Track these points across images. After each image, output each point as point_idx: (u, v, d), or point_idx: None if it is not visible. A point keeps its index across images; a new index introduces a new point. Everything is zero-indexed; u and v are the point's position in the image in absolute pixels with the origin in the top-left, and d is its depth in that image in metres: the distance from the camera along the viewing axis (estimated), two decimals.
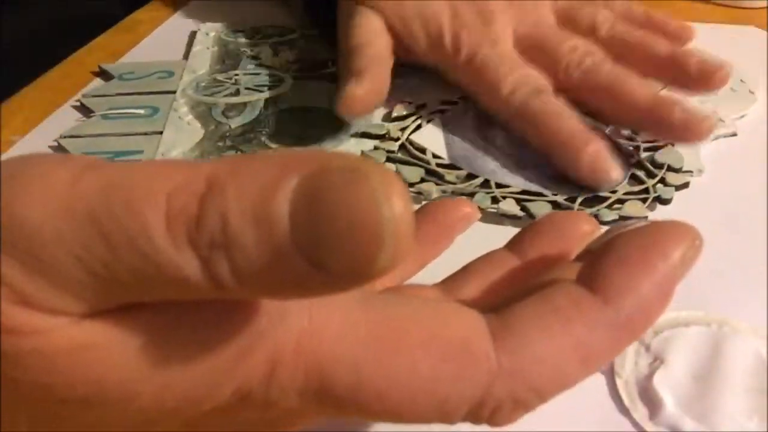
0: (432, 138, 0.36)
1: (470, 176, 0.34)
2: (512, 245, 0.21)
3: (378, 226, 0.11)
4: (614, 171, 0.33)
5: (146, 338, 0.13)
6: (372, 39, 0.37)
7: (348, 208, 0.11)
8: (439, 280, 0.21)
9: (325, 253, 0.12)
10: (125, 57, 0.46)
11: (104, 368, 0.13)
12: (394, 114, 0.38)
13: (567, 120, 0.34)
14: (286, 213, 0.12)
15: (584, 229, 0.20)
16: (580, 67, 0.36)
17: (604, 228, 0.19)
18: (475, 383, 0.15)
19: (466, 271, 0.21)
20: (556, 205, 0.32)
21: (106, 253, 0.12)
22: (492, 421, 0.15)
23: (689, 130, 0.33)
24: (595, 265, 0.16)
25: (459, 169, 0.34)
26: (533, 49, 0.37)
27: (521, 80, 0.36)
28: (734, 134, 0.38)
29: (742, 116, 0.39)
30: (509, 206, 0.32)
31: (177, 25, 0.50)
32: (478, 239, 0.23)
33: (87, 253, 0.12)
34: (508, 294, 0.17)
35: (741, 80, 0.41)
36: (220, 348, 0.13)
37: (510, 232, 0.22)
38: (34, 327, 0.12)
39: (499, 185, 0.33)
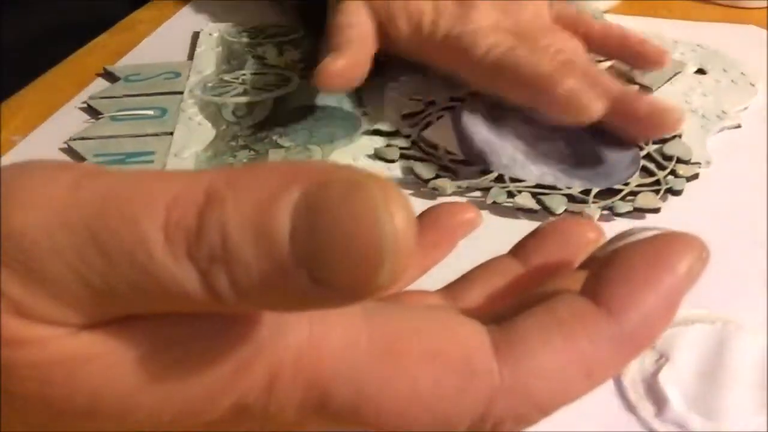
0: (443, 134, 0.36)
1: (484, 171, 0.34)
2: (516, 251, 0.21)
3: (378, 241, 0.11)
4: (595, 104, 0.32)
5: (144, 350, 0.13)
6: (355, 21, 0.38)
7: (348, 222, 0.11)
8: (441, 283, 0.21)
9: (326, 268, 0.11)
10: (126, 58, 0.46)
11: (101, 380, 0.13)
12: (404, 111, 0.38)
13: (543, 65, 0.34)
14: (287, 227, 0.11)
15: (589, 236, 0.20)
16: (554, 59, 0.36)
17: (610, 230, 0.19)
18: (476, 399, 0.14)
19: (468, 277, 0.21)
20: (570, 198, 0.32)
21: (103, 265, 0.12)
22: None
23: (654, 122, 0.33)
24: (600, 277, 0.16)
25: (472, 164, 0.34)
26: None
27: (496, 42, 0.36)
28: (738, 126, 0.38)
29: (745, 108, 0.40)
30: (525, 200, 0.32)
31: (177, 25, 0.50)
32: (481, 243, 0.22)
33: (85, 265, 0.12)
34: (511, 303, 0.17)
35: (741, 73, 0.42)
36: (218, 361, 0.13)
37: (512, 234, 0.22)
38: (31, 338, 0.12)
39: (513, 180, 0.33)
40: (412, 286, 0.22)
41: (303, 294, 0.12)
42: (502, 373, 0.14)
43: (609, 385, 0.25)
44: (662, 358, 0.25)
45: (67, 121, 0.39)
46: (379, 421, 0.14)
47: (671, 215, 0.32)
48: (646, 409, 0.24)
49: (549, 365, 0.15)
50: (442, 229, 0.23)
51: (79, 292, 0.12)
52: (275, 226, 0.11)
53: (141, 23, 0.51)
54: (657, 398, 0.24)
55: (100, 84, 0.43)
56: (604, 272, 0.16)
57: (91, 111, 0.40)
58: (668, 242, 0.16)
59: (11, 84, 0.43)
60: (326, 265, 0.11)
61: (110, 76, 0.43)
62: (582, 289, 0.16)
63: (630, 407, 0.24)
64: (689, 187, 0.33)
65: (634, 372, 0.25)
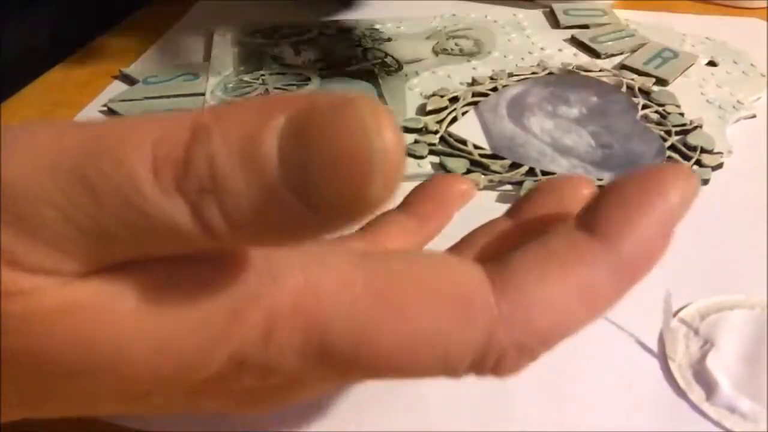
0: (470, 129, 0.37)
1: (514, 165, 0.34)
2: (511, 212, 0.21)
3: (368, 157, 0.11)
4: None
5: (136, 298, 0.13)
6: None
7: (337, 140, 0.11)
8: None
9: (316, 189, 0.11)
10: (140, 60, 0.46)
11: (95, 329, 0.13)
12: (429, 107, 0.39)
13: None
14: (275, 151, 0.11)
15: (584, 192, 0.20)
16: None
17: None
18: (476, 332, 0.14)
19: (464, 239, 0.21)
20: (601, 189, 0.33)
21: (93, 207, 0.12)
22: (496, 371, 0.15)
23: None
24: (594, 209, 0.16)
25: (502, 158, 0.35)
26: None
27: None
28: (754, 116, 0.39)
29: (758, 98, 0.40)
30: None
31: (187, 27, 0.50)
32: (482, 217, 0.22)
33: (75, 208, 0.12)
34: (506, 247, 0.17)
35: (751, 64, 0.43)
36: (211, 308, 0.13)
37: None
38: (24, 289, 0.12)
39: (544, 172, 0.34)
40: None
41: (296, 219, 0.12)
42: (500, 305, 0.14)
43: (657, 372, 0.25)
44: (707, 344, 0.26)
45: None
46: (380, 363, 0.14)
47: (700, 204, 0.32)
48: (697, 393, 0.24)
49: (547, 294, 0.15)
50: (437, 201, 0.23)
51: (70, 236, 0.12)
52: (263, 151, 0.11)
53: (141, 24, 0.50)
54: (706, 383, 0.24)
55: (116, 87, 0.43)
56: (597, 204, 0.16)
57: (112, 114, 0.40)
58: (658, 172, 0.16)
59: (11, 84, 0.42)
60: (317, 185, 0.11)
61: (127, 79, 0.43)
62: (576, 221, 0.16)
63: (680, 392, 0.24)
64: (714, 176, 0.34)
65: (680, 358, 0.25)
